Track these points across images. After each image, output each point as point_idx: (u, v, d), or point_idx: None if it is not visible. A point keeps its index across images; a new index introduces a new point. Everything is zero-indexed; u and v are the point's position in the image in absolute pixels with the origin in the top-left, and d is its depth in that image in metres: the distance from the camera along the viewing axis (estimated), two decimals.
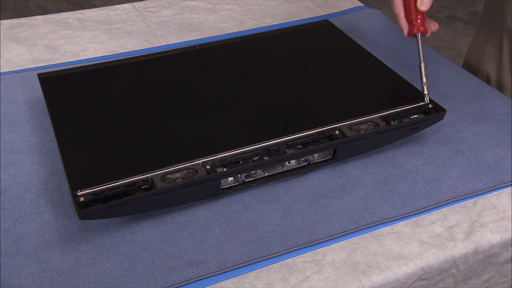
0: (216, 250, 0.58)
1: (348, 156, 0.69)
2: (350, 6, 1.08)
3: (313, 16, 1.05)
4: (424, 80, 0.70)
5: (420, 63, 0.71)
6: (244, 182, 0.64)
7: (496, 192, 0.66)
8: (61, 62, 0.89)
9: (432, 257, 0.58)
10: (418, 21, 0.71)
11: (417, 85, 0.76)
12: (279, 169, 0.66)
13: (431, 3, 0.70)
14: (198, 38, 0.97)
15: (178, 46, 0.89)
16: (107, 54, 0.91)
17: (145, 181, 0.59)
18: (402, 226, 0.61)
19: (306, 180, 0.66)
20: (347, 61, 0.82)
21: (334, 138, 0.66)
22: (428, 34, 0.73)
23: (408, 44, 0.95)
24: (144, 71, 0.78)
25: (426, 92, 0.70)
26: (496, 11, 0.91)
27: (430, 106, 0.71)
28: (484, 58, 0.95)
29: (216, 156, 0.61)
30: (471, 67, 0.98)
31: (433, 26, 0.74)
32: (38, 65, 0.88)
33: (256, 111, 0.70)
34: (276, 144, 0.64)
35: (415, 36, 0.72)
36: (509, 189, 0.66)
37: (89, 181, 0.57)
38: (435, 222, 0.62)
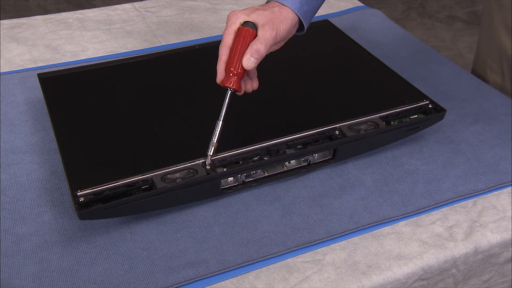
0: (216, 250, 0.58)
1: (348, 156, 0.69)
2: (350, 6, 1.08)
3: None
4: (215, 140, 0.60)
5: (219, 120, 0.60)
6: (244, 182, 0.64)
7: (496, 192, 0.66)
8: (61, 62, 0.89)
9: (432, 257, 0.58)
10: (235, 77, 0.59)
11: (417, 85, 0.77)
12: (279, 169, 0.66)
13: (256, 64, 0.59)
14: (198, 38, 0.97)
15: (178, 46, 0.89)
16: (107, 54, 0.91)
17: (145, 181, 0.59)
18: (402, 226, 0.61)
19: (306, 180, 0.66)
20: (347, 61, 0.82)
21: (334, 138, 0.66)
22: (241, 93, 0.62)
23: (408, 44, 0.95)
24: (144, 71, 0.78)
25: (210, 152, 0.60)
26: (494, 39, 0.87)
27: (430, 106, 0.71)
28: (486, 80, 0.91)
29: (216, 156, 0.61)
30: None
31: (250, 85, 0.63)
32: (38, 65, 0.88)
33: (256, 111, 0.70)
34: (276, 144, 0.64)
35: (226, 88, 0.60)
36: (509, 189, 0.66)
37: (89, 181, 0.57)
38: (435, 222, 0.62)
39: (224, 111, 0.60)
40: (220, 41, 0.61)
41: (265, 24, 0.59)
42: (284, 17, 0.60)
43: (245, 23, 0.60)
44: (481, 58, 0.91)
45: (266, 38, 0.59)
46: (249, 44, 0.59)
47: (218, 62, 0.60)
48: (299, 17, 0.62)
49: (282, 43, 0.63)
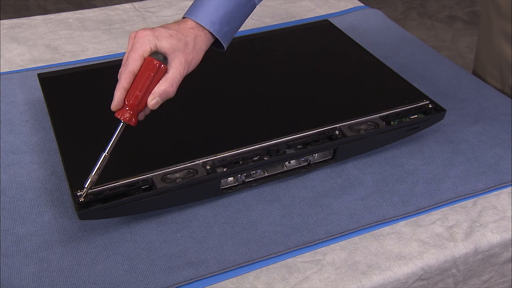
0: (216, 250, 0.58)
1: (348, 156, 0.69)
2: (350, 6, 1.08)
3: (313, 16, 1.05)
4: (93, 172, 0.55)
5: (104, 152, 0.56)
6: (244, 182, 0.64)
7: (496, 192, 0.66)
8: (61, 62, 0.89)
9: (432, 257, 0.58)
10: (133, 111, 0.56)
11: (417, 85, 0.77)
12: (279, 169, 0.66)
13: (158, 105, 0.56)
14: None
15: None
16: (107, 54, 0.91)
17: (145, 181, 0.59)
18: (402, 226, 0.61)
19: (306, 180, 0.66)
20: (347, 61, 0.82)
21: (334, 138, 0.66)
22: (133, 124, 0.57)
23: (408, 44, 0.95)
24: None
25: (86, 185, 0.55)
26: (493, 46, 0.86)
27: (430, 106, 0.71)
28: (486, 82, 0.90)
29: (216, 156, 0.61)
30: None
31: (142, 114, 0.59)
32: (38, 65, 0.88)
33: (256, 111, 0.70)
34: (276, 144, 0.64)
35: (119, 119, 0.56)
36: (509, 189, 0.66)
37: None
38: (435, 222, 0.62)
39: (112, 143, 0.56)
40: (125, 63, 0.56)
41: (176, 58, 0.56)
42: (198, 49, 0.57)
43: (155, 53, 0.56)
44: (481, 64, 0.91)
45: (177, 78, 0.56)
46: (158, 82, 0.55)
47: (117, 86, 0.56)
48: (217, 38, 0.59)
49: None
